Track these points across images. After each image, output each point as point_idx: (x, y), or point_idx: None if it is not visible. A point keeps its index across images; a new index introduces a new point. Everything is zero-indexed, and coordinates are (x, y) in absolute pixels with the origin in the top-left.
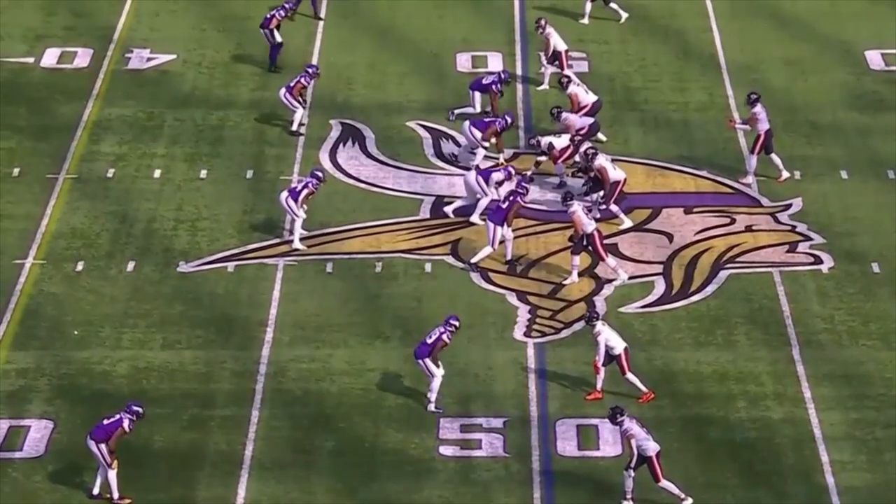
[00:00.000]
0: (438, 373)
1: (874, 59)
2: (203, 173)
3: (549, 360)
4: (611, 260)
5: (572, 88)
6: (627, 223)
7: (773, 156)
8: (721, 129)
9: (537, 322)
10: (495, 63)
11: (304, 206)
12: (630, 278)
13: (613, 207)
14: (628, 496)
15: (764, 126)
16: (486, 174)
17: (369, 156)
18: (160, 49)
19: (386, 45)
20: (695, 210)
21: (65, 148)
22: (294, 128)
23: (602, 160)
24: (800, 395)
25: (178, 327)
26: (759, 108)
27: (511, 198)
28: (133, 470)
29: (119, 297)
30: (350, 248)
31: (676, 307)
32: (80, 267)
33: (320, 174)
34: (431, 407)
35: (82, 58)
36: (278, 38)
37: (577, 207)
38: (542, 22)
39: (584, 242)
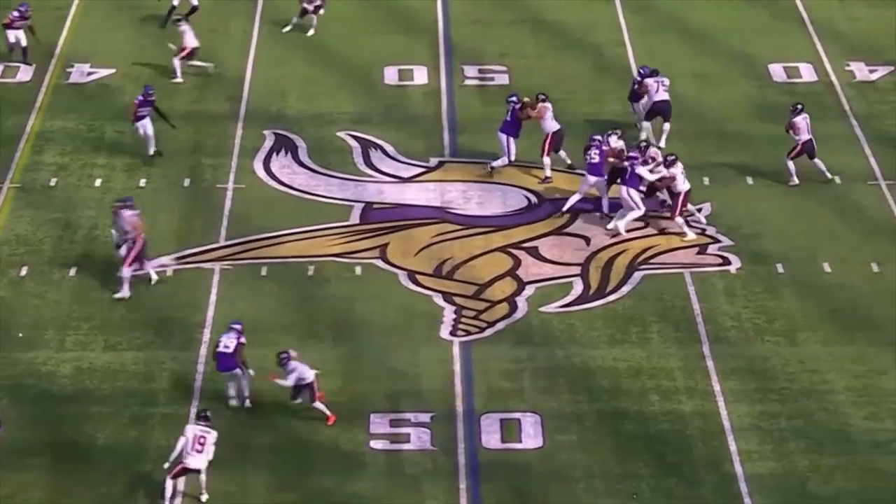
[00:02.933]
0: (247, 372)
1: (777, 71)
2: (142, 182)
3: (474, 358)
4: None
5: (648, 82)
6: (691, 235)
7: (817, 160)
8: (635, 139)
9: (462, 322)
10: (421, 76)
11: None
12: (546, 280)
13: (679, 219)
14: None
15: (804, 136)
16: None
17: (301, 164)
18: (100, 63)
19: (318, 60)
20: (609, 214)
21: (8, 158)
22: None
23: (679, 168)
24: (709, 388)
25: (119, 329)
26: (798, 119)
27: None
28: (77, 465)
29: (62, 300)
30: (284, 253)
31: (593, 307)
32: (24, 272)
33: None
34: (248, 403)
35: (25, 72)
36: (11, 39)
37: None
38: (178, 19)
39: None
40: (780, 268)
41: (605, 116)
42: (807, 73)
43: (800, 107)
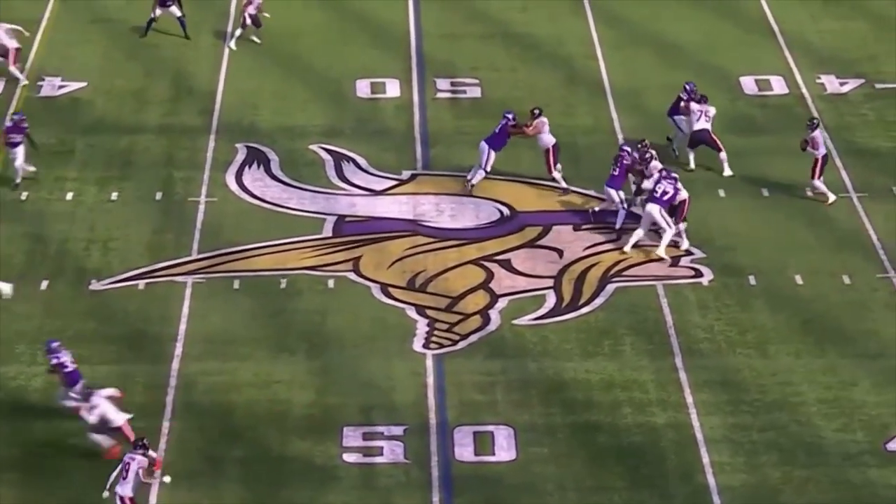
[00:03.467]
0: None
1: (748, 84)
2: (114, 195)
3: (447, 371)
4: None
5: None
6: (686, 244)
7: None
8: (606, 150)
9: (435, 334)
10: (393, 89)
11: None
12: (518, 292)
13: (682, 225)
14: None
15: (822, 150)
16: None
17: (274, 177)
18: (71, 77)
19: (290, 73)
20: (583, 227)
21: None
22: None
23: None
24: (682, 401)
25: (90, 343)
26: (817, 133)
27: (618, 163)
28: (48, 480)
29: (33, 314)
30: (256, 266)
31: (566, 319)
32: None
33: None
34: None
35: None
36: None
37: None
38: None
39: None
40: (751, 280)
41: (577, 129)
42: (778, 85)
43: (816, 121)
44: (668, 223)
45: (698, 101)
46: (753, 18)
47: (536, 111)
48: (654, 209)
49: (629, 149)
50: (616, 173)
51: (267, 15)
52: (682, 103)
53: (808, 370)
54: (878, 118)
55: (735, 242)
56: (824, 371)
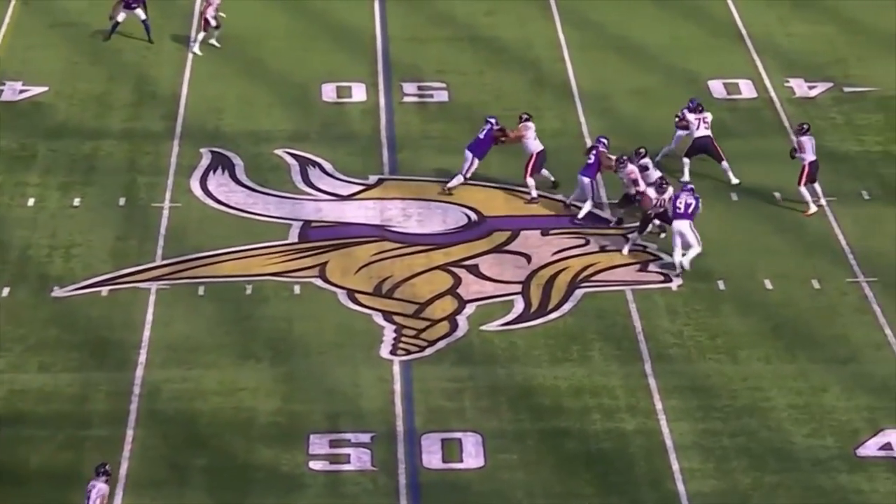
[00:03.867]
0: None
1: (717, 88)
2: (76, 201)
3: (415, 377)
4: None
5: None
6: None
7: (816, 185)
8: (574, 154)
9: (403, 341)
10: (359, 93)
11: None
12: (486, 298)
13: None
14: None
15: (810, 157)
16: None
17: (239, 182)
18: (33, 81)
19: (255, 77)
20: (551, 232)
21: None
22: None
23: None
24: (651, 407)
25: (53, 350)
26: (804, 139)
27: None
28: (10, 490)
29: None
30: (221, 272)
31: (535, 325)
32: None
33: None
34: None
35: None
36: None
37: None
38: None
39: None
40: (721, 285)
41: (545, 132)
42: (746, 89)
43: (806, 126)
44: (697, 240)
45: (694, 110)
46: (721, 22)
47: (524, 116)
48: (683, 225)
49: (606, 140)
50: (591, 162)
51: (223, 15)
52: (678, 121)
53: (778, 375)
54: (847, 122)
55: (704, 247)
56: (794, 376)
